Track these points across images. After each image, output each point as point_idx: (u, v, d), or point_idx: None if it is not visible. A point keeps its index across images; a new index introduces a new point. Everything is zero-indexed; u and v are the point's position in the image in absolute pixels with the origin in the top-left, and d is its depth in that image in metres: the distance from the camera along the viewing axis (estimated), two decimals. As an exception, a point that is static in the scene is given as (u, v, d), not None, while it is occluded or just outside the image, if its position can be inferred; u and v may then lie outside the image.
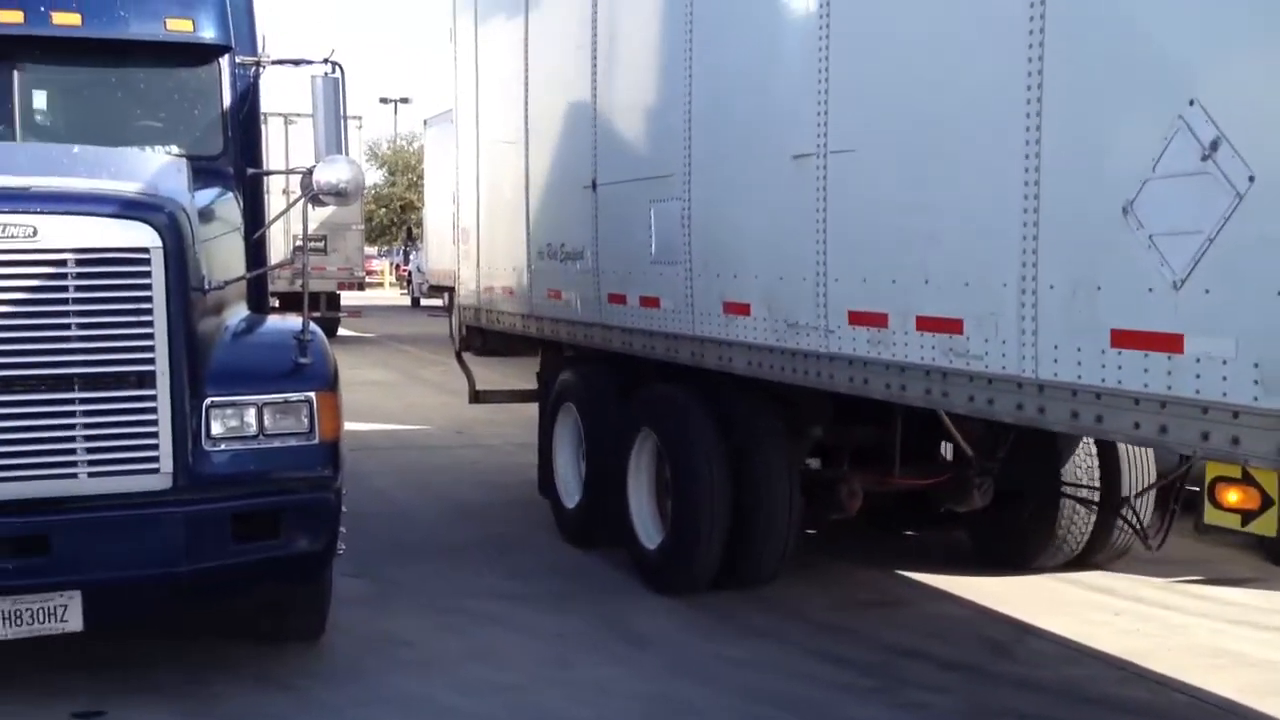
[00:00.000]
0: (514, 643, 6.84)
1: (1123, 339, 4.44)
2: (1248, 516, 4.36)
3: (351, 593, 7.29)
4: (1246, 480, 4.34)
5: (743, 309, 6.69)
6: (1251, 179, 3.98)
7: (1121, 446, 7.66)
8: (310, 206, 6.21)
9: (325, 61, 6.76)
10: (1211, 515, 4.52)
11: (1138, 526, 7.73)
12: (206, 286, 5.70)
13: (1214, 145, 4.09)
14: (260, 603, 6.35)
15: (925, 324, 5.37)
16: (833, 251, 5.96)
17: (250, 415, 5.58)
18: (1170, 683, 6.27)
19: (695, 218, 7.15)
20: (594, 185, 8.38)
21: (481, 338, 11.09)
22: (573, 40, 8.54)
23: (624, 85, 8.14)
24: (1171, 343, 4.25)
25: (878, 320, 5.65)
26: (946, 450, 7.92)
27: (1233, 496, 4.37)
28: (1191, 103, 4.17)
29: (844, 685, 6.21)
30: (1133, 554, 8.33)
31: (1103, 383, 4.52)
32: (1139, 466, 7.74)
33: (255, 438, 5.59)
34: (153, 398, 5.36)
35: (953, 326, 5.20)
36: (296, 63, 7.19)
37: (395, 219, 55.50)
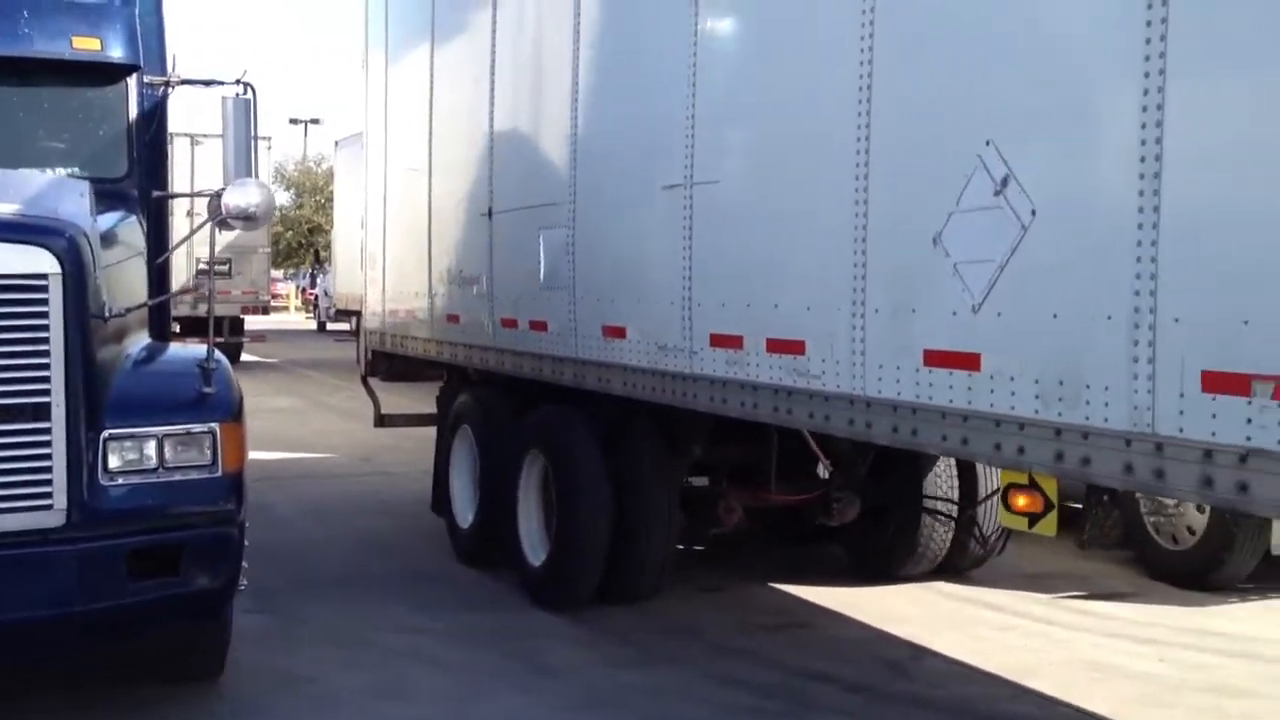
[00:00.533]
0: (422, 677, 7.02)
1: (933, 358, 5.20)
2: (1033, 519, 5.16)
3: (253, 629, 7.37)
4: (1032, 486, 5.13)
5: (619, 332, 7.44)
6: (1034, 212, 4.74)
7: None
8: (218, 231, 6.32)
9: (237, 82, 6.86)
10: (1004, 518, 5.33)
11: (979, 535, 8.64)
12: (107, 314, 5.68)
13: (1004, 182, 4.85)
14: (157, 642, 6.31)
15: (774, 345, 6.12)
16: (697, 277, 6.72)
17: (150, 448, 5.53)
18: (1055, 698, 6.82)
19: (579, 245, 7.91)
20: (490, 213, 9.12)
21: (387, 362, 11.74)
22: (472, 74, 9.30)
23: (518, 117, 8.92)
24: (971, 361, 5.01)
25: (734, 342, 6.41)
26: (825, 469, 8.72)
27: (1021, 501, 5.16)
28: (988, 143, 4.93)
29: (749, 709, 6.61)
30: (1020, 571, 9.21)
31: (917, 398, 5.27)
32: (992, 481, 8.63)
33: (155, 471, 5.54)
34: (47, 430, 5.30)
35: (796, 348, 5.96)
36: (207, 83, 7.32)
37: (303, 241, 55.88)
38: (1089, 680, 7.14)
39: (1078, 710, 6.68)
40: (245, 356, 27.98)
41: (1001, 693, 6.97)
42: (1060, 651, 7.73)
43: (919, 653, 7.65)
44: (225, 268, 25.82)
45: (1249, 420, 4.00)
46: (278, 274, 54.71)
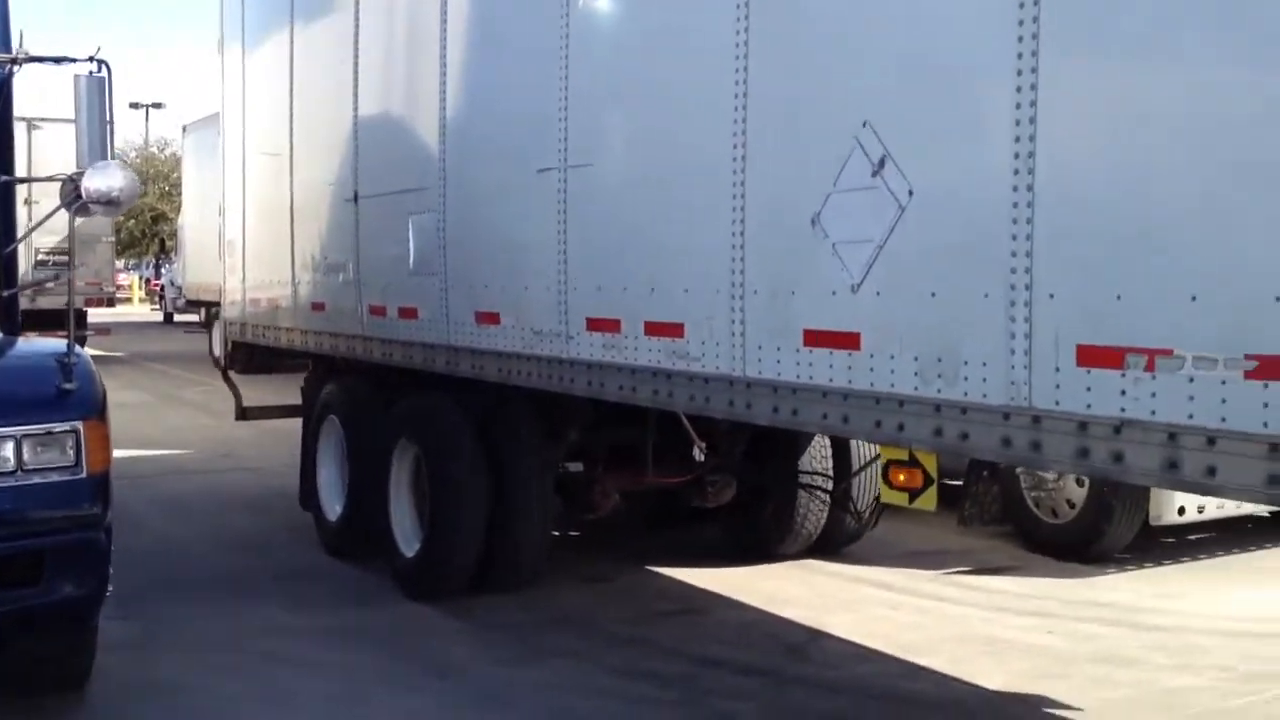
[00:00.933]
0: (301, 681, 6.87)
1: (812, 338, 5.33)
2: (914, 494, 5.34)
3: (117, 636, 7.02)
4: (912, 462, 5.30)
5: (493, 318, 7.49)
6: (911, 192, 4.89)
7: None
8: (75, 218, 6.12)
9: (90, 60, 6.53)
10: (886, 494, 5.51)
11: (853, 510, 8.90)
12: None
13: (882, 162, 5.00)
14: (18, 651, 6.07)
15: (653, 329, 6.21)
16: (572, 261, 6.80)
17: (8, 449, 5.37)
18: (952, 676, 7.00)
19: (449, 230, 7.93)
20: (355, 198, 9.07)
21: (248, 353, 11.61)
22: (335, 55, 9.24)
23: (383, 101, 8.91)
24: (850, 340, 5.15)
25: (611, 326, 6.49)
26: (701, 451, 8.86)
27: (901, 477, 5.34)
28: (865, 124, 5.07)
29: (648, 699, 6.66)
30: (907, 548, 9.51)
31: (797, 378, 5.40)
32: (865, 457, 8.89)
33: (13, 474, 5.38)
34: None
35: (675, 331, 6.06)
36: (58, 60, 6.92)
37: (146, 231, 54.71)
38: (982, 655, 7.36)
39: (974, 686, 6.87)
40: (89, 351, 27.19)
41: (898, 671, 7.14)
42: (952, 627, 7.95)
43: (814, 634, 7.80)
44: (67, 258, 25.12)
45: (1123, 392, 4.18)
46: (119, 264, 53.53)
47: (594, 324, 6.64)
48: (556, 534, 8.76)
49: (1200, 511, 9.33)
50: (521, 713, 6.50)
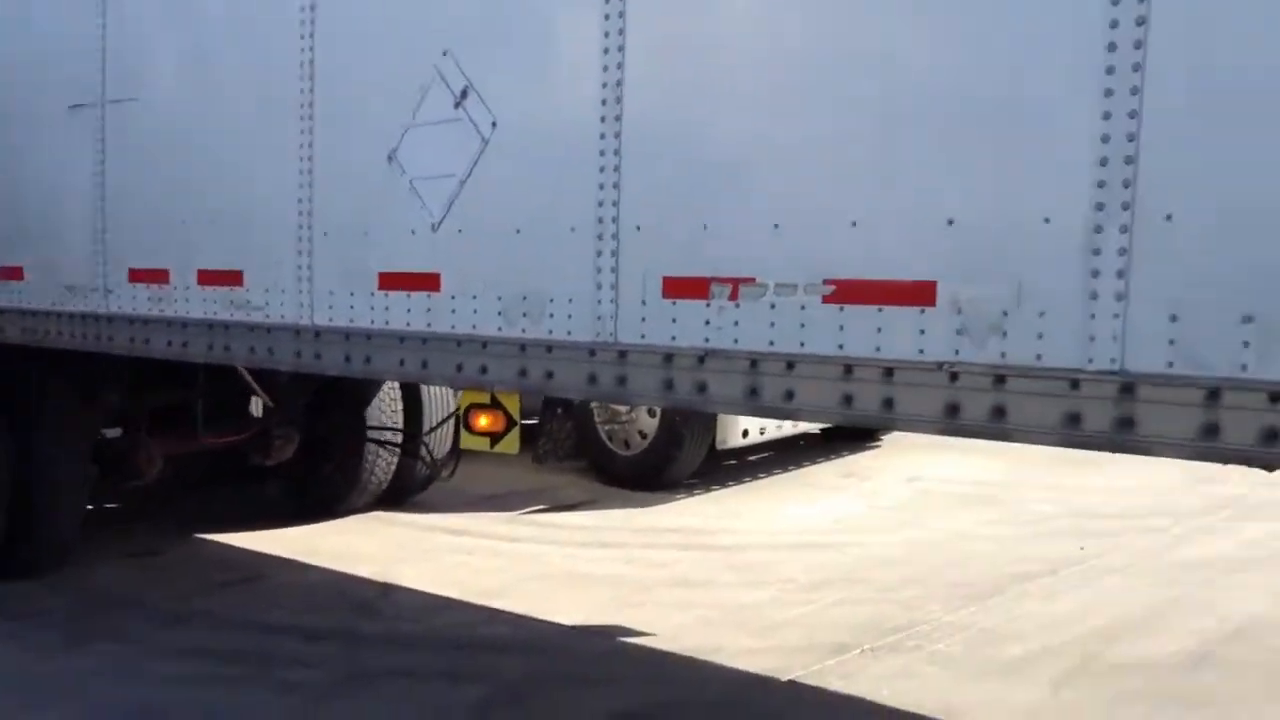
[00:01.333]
0: None
1: (389, 281, 5.15)
2: (495, 439, 5.27)
3: None
4: (494, 405, 5.23)
5: (14, 273, 6.90)
6: (495, 124, 4.78)
7: (423, 387, 8.67)
8: None
9: None
10: (466, 440, 5.42)
11: (429, 460, 8.83)
12: None
13: (464, 94, 4.86)
14: None
15: (207, 278, 5.86)
16: (112, 208, 6.32)
17: None
18: (530, 616, 7.01)
19: (-42, 175, 7.18)
20: None
21: None
22: None
23: None
24: (430, 281, 5.01)
25: (159, 277, 6.08)
26: (258, 406, 8.49)
27: (483, 421, 5.27)
28: (445, 53, 4.91)
29: (208, 678, 6.21)
30: (481, 492, 9.49)
31: (372, 324, 5.22)
32: (439, 405, 8.81)
33: None
34: None
35: (233, 279, 5.74)
36: None
37: None
38: (562, 591, 7.50)
39: (553, 624, 6.95)
40: None
41: (476, 617, 7.12)
42: (530, 567, 8.03)
43: (385, 589, 7.68)
44: None
45: (707, 322, 4.24)
46: None
47: (138, 275, 6.21)
48: (92, 508, 8.16)
49: (761, 433, 9.86)
50: (60, 713, 5.79)
